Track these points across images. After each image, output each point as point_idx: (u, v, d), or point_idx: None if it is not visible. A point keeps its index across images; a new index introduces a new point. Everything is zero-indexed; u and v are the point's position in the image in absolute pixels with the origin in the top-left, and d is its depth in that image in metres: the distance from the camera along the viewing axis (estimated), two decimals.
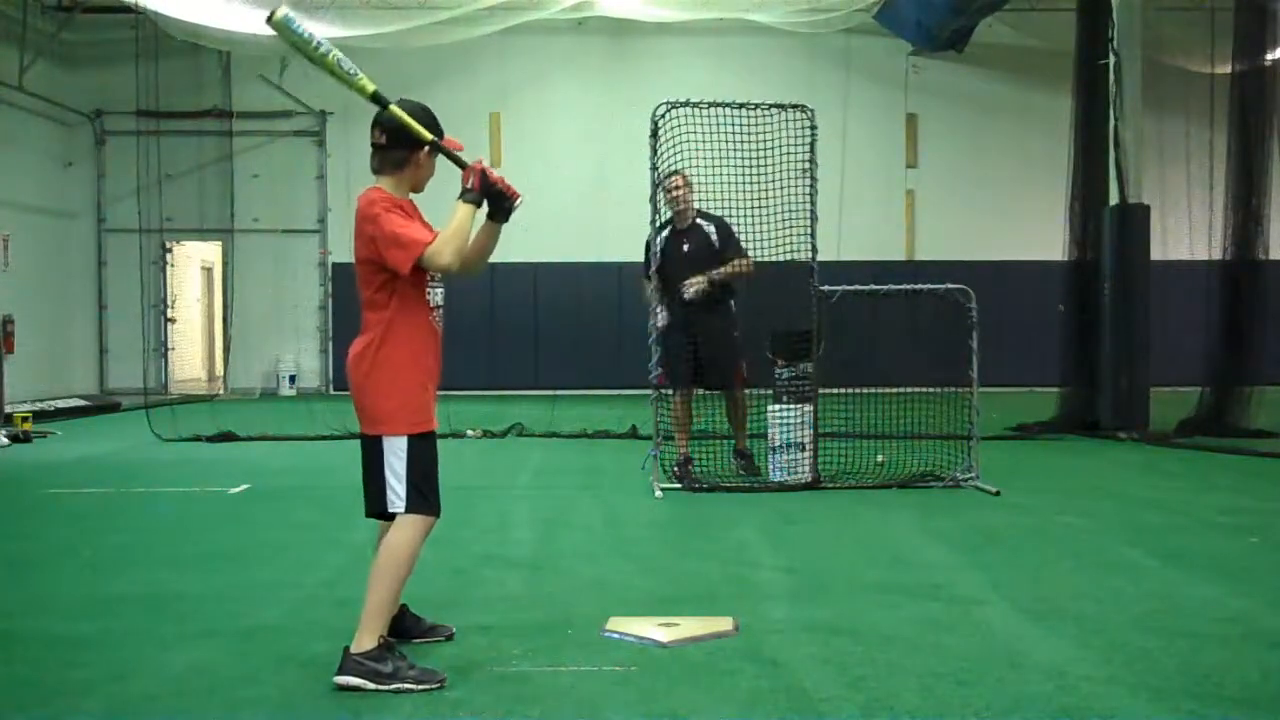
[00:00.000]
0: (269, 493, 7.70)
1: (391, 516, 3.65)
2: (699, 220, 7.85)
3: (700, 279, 7.61)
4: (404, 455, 3.58)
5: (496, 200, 3.60)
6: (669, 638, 3.93)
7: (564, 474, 8.58)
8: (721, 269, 7.68)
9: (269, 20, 3.52)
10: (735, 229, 7.86)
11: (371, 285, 3.65)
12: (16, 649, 3.92)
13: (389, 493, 3.60)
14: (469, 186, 3.55)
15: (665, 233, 7.85)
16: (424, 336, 3.67)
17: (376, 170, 3.72)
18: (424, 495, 3.60)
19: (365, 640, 3.48)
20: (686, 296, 7.61)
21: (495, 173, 3.60)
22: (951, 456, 7.97)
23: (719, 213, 7.96)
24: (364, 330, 3.68)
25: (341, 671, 3.44)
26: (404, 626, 3.90)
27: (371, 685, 3.40)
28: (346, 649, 3.49)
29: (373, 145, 3.71)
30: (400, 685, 3.40)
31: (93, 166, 17.75)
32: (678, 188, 7.76)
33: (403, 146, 3.66)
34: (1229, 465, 8.97)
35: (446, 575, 4.89)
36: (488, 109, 17.43)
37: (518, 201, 3.63)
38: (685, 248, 7.78)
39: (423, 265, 3.51)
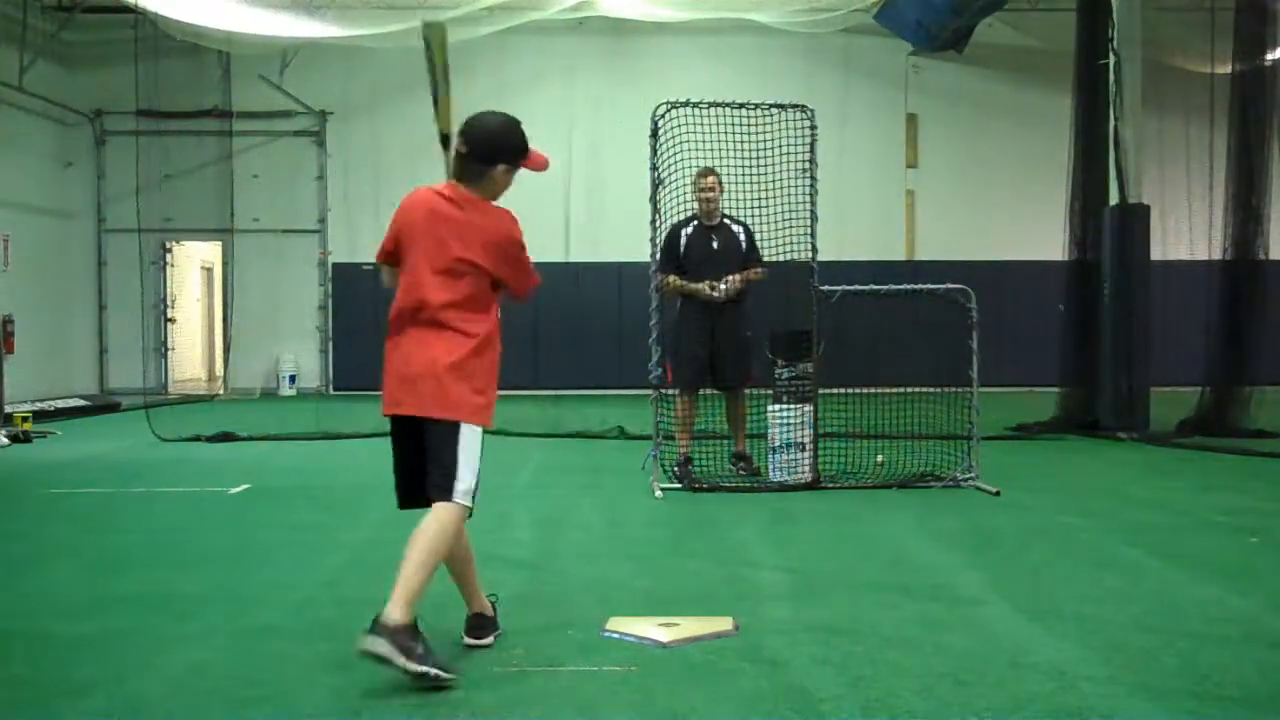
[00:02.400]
0: (269, 493, 7.70)
1: (425, 504, 3.68)
2: (725, 220, 7.91)
3: (736, 278, 7.70)
4: (477, 446, 3.70)
5: None
6: (669, 638, 3.93)
7: (564, 474, 8.58)
8: (749, 273, 7.82)
9: (427, 25, 3.68)
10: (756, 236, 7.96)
11: (482, 290, 3.75)
12: (16, 649, 3.92)
13: (457, 480, 3.64)
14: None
15: (691, 228, 7.87)
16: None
17: (458, 176, 3.78)
18: (476, 488, 3.73)
19: (403, 614, 3.40)
20: (721, 294, 7.66)
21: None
22: (951, 456, 7.96)
23: (739, 217, 8.02)
24: (463, 329, 3.69)
25: (374, 633, 3.35)
26: (483, 624, 3.95)
27: (401, 659, 3.32)
28: (377, 617, 3.40)
29: (456, 152, 3.77)
30: (425, 668, 3.34)
31: (93, 166, 17.75)
32: (711, 188, 7.79)
33: (482, 161, 3.76)
34: (1229, 465, 8.97)
35: (447, 575, 4.87)
36: (487, 109, 17.39)
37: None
38: (715, 244, 7.82)
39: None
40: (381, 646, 3.35)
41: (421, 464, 3.72)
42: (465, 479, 3.66)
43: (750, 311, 8.01)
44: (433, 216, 3.73)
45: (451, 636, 3.94)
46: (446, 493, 3.65)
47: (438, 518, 3.62)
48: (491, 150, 3.78)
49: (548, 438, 10.96)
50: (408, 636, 3.40)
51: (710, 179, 7.80)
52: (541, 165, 3.92)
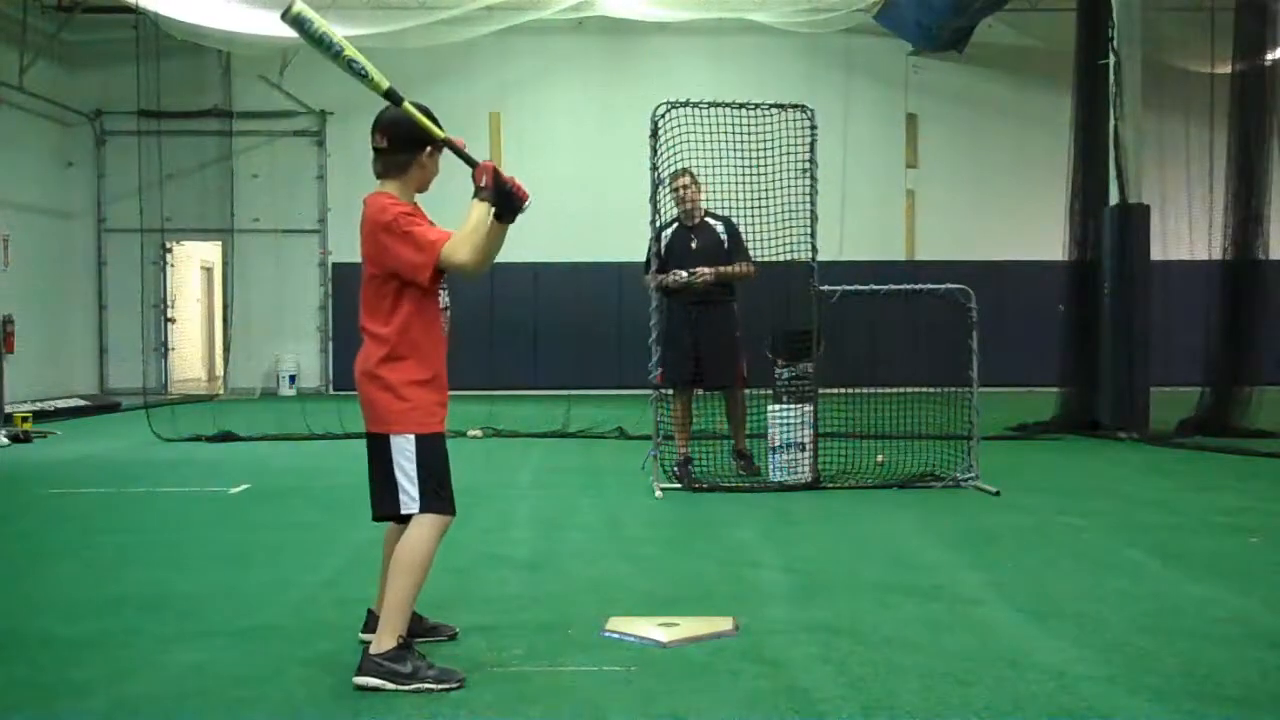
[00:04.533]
0: (269, 493, 7.70)
1: (401, 519, 3.63)
2: (707, 218, 7.89)
3: (709, 270, 7.64)
4: (413, 455, 3.56)
5: (507, 200, 3.59)
6: (669, 638, 3.93)
7: (564, 474, 8.57)
8: (728, 269, 7.74)
9: (284, 15, 3.49)
10: (741, 230, 7.90)
11: (382, 291, 3.62)
12: (16, 649, 3.92)
13: (401, 494, 3.57)
14: (482, 185, 3.55)
15: (672, 229, 7.87)
16: (434, 339, 3.67)
17: (380, 174, 3.70)
18: (438, 494, 3.58)
19: (385, 641, 3.47)
20: (695, 281, 7.59)
21: (506, 173, 3.61)
22: (951, 456, 7.97)
23: (724, 212, 7.99)
24: (373, 333, 3.65)
25: (361, 672, 3.44)
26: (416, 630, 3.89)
27: (391, 685, 3.40)
28: (366, 649, 3.50)
29: (375, 149, 3.68)
30: (420, 685, 3.40)
31: (93, 166, 17.76)
32: (685, 187, 7.77)
33: (405, 150, 3.65)
34: (1229, 465, 8.97)
35: (446, 575, 4.87)
36: (488, 109, 17.43)
37: (527, 203, 3.62)
38: (694, 244, 7.80)
39: (440, 266, 3.51)
40: (371, 680, 3.42)
41: (377, 476, 3.68)
42: (408, 490, 3.56)
43: (737, 311, 7.98)
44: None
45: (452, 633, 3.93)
46: (396, 507, 3.60)
47: (408, 535, 3.58)
48: (414, 135, 3.64)
49: (548, 438, 10.97)
50: (395, 660, 3.43)
51: (683, 179, 7.76)
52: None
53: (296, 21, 3.50)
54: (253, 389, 17.72)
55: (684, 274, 7.64)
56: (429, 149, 3.67)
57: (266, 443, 10.65)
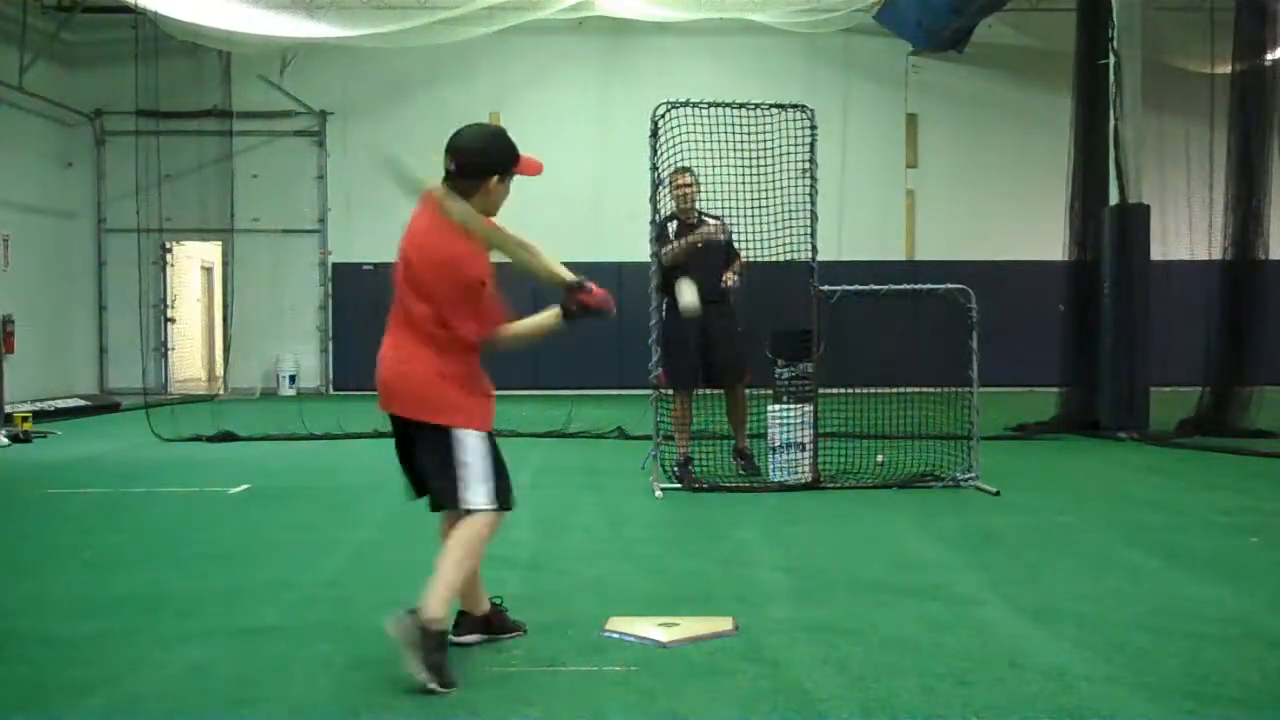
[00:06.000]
0: (269, 493, 7.70)
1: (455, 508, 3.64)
2: (704, 217, 7.90)
3: (733, 274, 7.71)
4: (479, 450, 3.60)
5: (591, 318, 3.68)
6: (669, 638, 3.93)
7: (564, 474, 8.57)
8: (737, 265, 7.79)
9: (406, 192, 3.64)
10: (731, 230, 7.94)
11: (450, 301, 3.64)
12: (16, 649, 3.92)
13: (460, 486, 3.56)
14: (571, 309, 3.63)
15: (674, 225, 7.86)
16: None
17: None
18: (498, 490, 3.63)
19: (434, 608, 3.43)
20: (728, 285, 7.67)
21: (599, 293, 3.64)
22: (951, 456, 7.97)
23: (719, 212, 8.00)
24: (454, 331, 3.66)
25: (398, 623, 3.39)
26: (499, 625, 3.97)
27: (411, 652, 3.35)
28: (412, 610, 3.42)
29: (445, 170, 3.67)
30: (427, 670, 3.35)
31: (93, 166, 17.76)
32: (687, 185, 7.77)
33: (474, 176, 3.67)
34: (1229, 465, 8.96)
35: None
36: (488, 109, 17.40)
37: (608, 312, 3.66)
38: (700, 242, 7.80)
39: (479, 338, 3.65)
40: (408, 635, 3.37)
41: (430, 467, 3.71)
42: (467, 483, 3.61)
43: (737, 308, 7.98)
44: None
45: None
46: (455, 499, 3.62)
47: (468, 522, 3.61)
48: (482, 164, 3.70)
49: (548, 438, 10.97)
50: (434, 639, 3.40)
51: (687, 177, 7.77)
52: (535, 170, 3.82)
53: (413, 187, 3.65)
54: (253, 389, 17.71)
55: (736, 275, 7.72)
56: (497, 177, 3.69)
57: (266, 443, 10.65)
